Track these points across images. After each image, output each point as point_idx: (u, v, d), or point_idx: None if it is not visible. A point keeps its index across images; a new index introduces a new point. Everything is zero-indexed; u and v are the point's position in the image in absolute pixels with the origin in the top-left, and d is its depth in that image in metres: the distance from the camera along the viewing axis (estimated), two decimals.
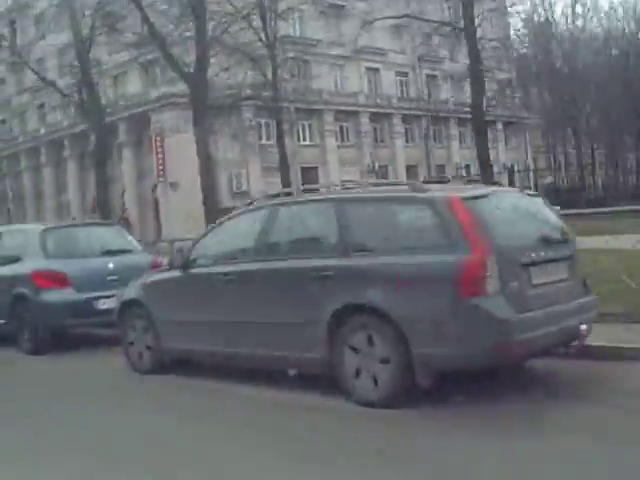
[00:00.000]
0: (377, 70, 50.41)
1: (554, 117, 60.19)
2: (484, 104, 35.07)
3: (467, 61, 57.74)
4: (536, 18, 61.61)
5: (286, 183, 29.56)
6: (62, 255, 9.37)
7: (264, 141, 42.88)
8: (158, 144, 38.66)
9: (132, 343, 7.51)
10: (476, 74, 31.79)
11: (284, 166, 28.26)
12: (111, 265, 9.33)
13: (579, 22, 63.76)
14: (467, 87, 57.18)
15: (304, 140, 45.18)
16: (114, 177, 43.46)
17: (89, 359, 8.64)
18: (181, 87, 38.35)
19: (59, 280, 9.08)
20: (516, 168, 56.94)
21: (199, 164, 25.41)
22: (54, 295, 9.04)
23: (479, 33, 57.10)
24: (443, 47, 51.03)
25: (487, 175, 30.27)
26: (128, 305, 7.56)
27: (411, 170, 50.32)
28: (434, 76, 53.75)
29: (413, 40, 49.53)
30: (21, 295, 9.23)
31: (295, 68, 44.38)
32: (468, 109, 56.14)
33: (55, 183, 47.99)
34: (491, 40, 40.89)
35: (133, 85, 42.62)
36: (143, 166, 41.58)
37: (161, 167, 38.80)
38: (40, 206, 50.14)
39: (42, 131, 48.15)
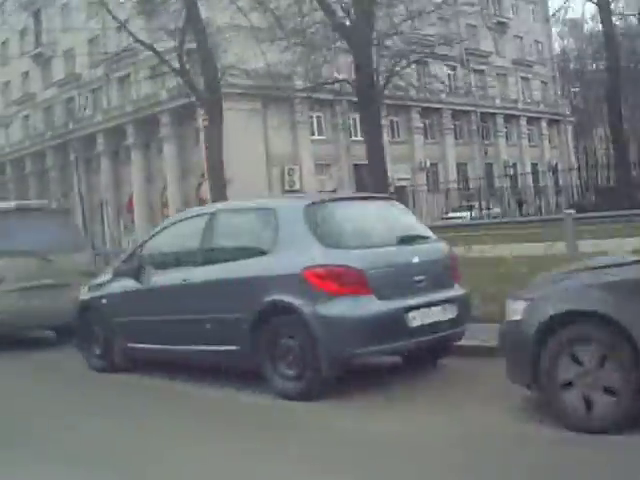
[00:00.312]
0: (426, 63, 47.60)
1: (595, 114, 57.83)
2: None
3: (513, 56, 55.80)
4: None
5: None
6: (346, 244, 6.00)
7: (316, 136, 40.19)
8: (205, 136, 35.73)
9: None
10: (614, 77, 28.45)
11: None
12: (416, 259, 6.17)
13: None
14: (512, 82, 55.29)
15: (356, 135, 42.37)
16: (153, 174, 40.72)
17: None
18: (232, 78, 35.88)
19: (354, 282, 5.75)
20: (560, 167, 54.58)
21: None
22: (348, 306, 5.71)
23: (518, 30, 55.30)
24: (488, 41, 49.24)
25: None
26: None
27: (461, 168, 47.83)
28: (481, 71, 51.03)
29: (459, 32, 46.94)
30: (280, 307, 5.92)
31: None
32: (514, 105, 54.52)
33: (87, 181, 45.04)
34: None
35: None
36: (187, 162, 38.74)
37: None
38: (69, 205, 47.21)
39: (70, 126, 45.19)
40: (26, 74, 51.56)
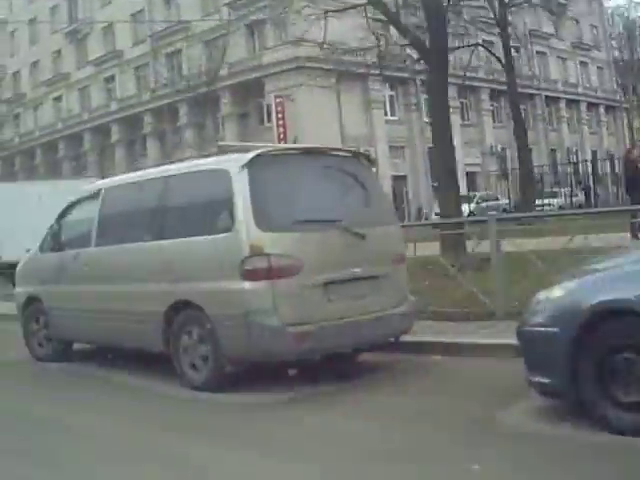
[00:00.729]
0: (491, 43, 44.58)
1: None
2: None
3: (572, 39, 52.86)
4: None
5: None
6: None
7: (389, 117, 37.10)
8: (279, 114, 32.58)
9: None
10: None
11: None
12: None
13: None
14: (572, 67, 52.37)
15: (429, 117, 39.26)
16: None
17: None
18: (304, 50, 32.74)
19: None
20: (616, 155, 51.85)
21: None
22: None
23: (575, 13, 52.47)
24: (549, 23, 46.46)
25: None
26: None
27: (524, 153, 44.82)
28: (543, 53, 48.01)
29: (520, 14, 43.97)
30: None
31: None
32: (574, 90, 51.71)
33: (128, 165, 41.60)
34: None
35: (235, 50, 36.33)
36: (250, 141, 35.41)
37: (282, 143, 32.64)
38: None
39: (113, 106, 41.81)
40: (58, 53, 48.09)
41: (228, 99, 35.40)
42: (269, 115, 35.28)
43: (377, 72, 35.71)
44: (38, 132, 48.01)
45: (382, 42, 29.45)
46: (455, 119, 40.31)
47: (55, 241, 7.62)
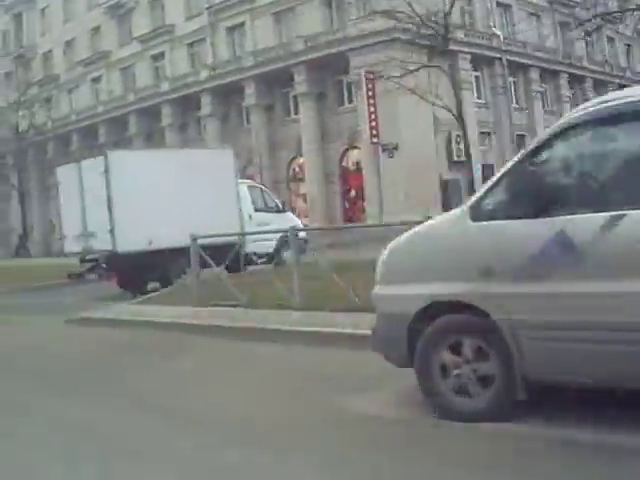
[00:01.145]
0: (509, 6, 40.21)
1: None
2: None
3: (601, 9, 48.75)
4: None
5: None
6: None
7: (475, 99, 33.78)
8: (369, 92, 29.22)
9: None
10: None
11: None
12: None
13: None
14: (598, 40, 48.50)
15: (516, 102, 36.06)
16: (279, 141, 34.09)
17: None
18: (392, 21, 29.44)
19: None
20: None
21: None
22: None
23: None
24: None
25: None
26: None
27: None
28: (566, 23, 39.75)
29: None
30: None
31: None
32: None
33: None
34: None
35: (309, 23, 32.91)
36: (327, 126, 32.11)
37: (373, 124, 29.32)
38: None
39: (166, 86, 38.34)
40: (97, 30, 44.54)
41: (303, 77, 31.96)
42: (350, 94, 31.99)
43: (466, 50, 32.72)
44: (74, 116, 44.43)
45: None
46: (538, 105, 37.33)
47: (530, 197, 4.17)
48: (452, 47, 31.99)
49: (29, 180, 45.19)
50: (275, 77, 33.03)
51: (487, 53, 33.66)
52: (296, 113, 33.52)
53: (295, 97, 33.13)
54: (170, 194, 13.96)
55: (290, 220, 16.80)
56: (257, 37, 35.10)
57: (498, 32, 34.53)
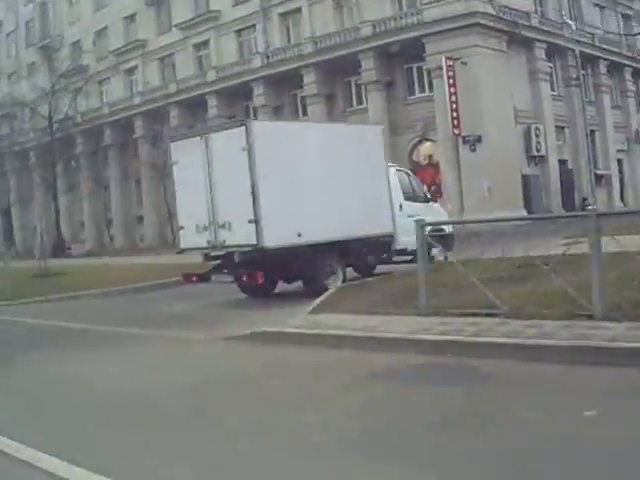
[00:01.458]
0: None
1: None
2: None
3: None
4: None
5: None
6: None
7: (549, 91, 31.89)
8: (450, 80, 27.24)
9: None
10: None
11: None
12: None
13: None
14: None
15: (588, 96, 34.27)
16: None
17: None
18: (476, 4, 27.63)
19: None
20: None
21: None
22: None
23: None
24: None
25: None
26: None
27: None
28: (627, 16, 39.56)
29: None
30: None
31: None
32: None
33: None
34: None
35: (374, 8, 30.85)
36: (395, 116, 30.06)
37: (454, 115, 27.32)
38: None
39: (214, 75, 36.22)
40: (131, 18, 42.36)
41: (370, 64, 29.93)
42: (421, 83, 30.03)
43: (541, 38, 30.89)
44: (107, 109, 42.16)
45: None
46: (607, 100, 35.59)
47: None
48: (528, 34, 30.34)
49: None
50: (338, 65, 30.99)
51: (561, 43, 31.82)
52: (359, 103, 31.50)
53: (359, 86, 31.16)
54: (318, 176, 11.56)
55: (438, 212, 14.67)
56: (315, 23, 33.02)
57: (570, 22, 32.68)
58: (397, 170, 13.99)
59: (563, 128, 32.40)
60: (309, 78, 31.80)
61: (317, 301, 9.56)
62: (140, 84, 41.58)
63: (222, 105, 35.70)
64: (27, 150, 47.23)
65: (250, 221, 10.79)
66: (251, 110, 35.37)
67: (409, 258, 13.53)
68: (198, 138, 11.67)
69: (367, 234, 12.46)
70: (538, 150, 29.78)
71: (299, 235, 11.17)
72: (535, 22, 30.75)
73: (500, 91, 27.87)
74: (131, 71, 42.76)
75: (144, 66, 41.64)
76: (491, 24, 28.03)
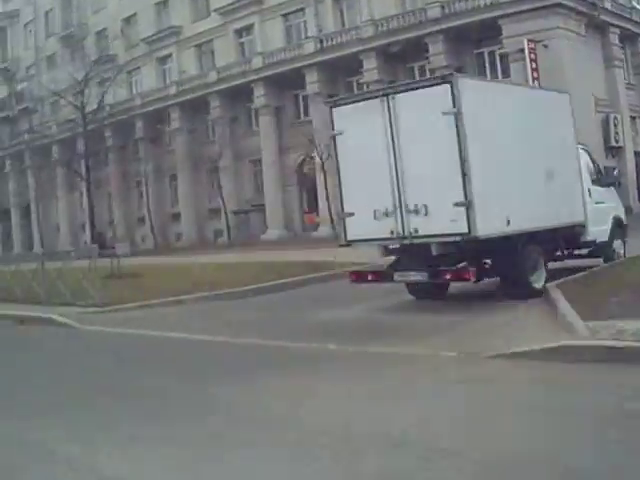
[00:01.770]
0: None
1: None
2: None
3: None
4: None
5: None
6: None
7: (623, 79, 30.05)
8: (532, 63, 25.33)
9: None
10: None
11: None
12: None
13: None
14: None
15: None
16: None
17: None
18: None
19: None
20: None
21: None
22: None
23: None
24: None
25: None
26: None
27: None
28: None
29: None
30: None
31: None
32: None
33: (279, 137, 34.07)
34: None
35: None
36: None
37: None
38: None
39: (259, 62, 34.16)
40: (163, 4, 40.24)
41: (438, 49, 27.98)
42: (493, 68, 28.10)
43: (615, 23, 29.09)
44: (139, 99, 40.01)
45: None
46: None
47: None
48: (605, 18, 28.58)
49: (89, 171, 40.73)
50: (400, 50, 29.02)
51: (631, 28, 30.05)
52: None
53: (423, 71, 29.18)
54: (525, 150, 9.61)
55: (618, 198, 12.78)
56: (373, 5, 31.01)
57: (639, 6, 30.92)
58: (582, 149, 12.00)
59: (634, 118, 30.53)
60: (369, 64, 29.80)
61: (566, 305, 7.57)
62: (175, 73, 39.46)
63: (269, 94, 33.63)
64: (48, 145, 45.10)
65: (457, 204, 8.56)
66: (300, 99, 33.42)
67: (587, 252, 11.62)
68: (377, 100, 9.16)
69: (561, 223, 10.53)
70: (617, 141, 27.92)
71: (508, 222, 9.19)
72: (608, 5, 28.94)
73: (581, 77, 25.96)
74: (164, 60, 40.63)
75: (179, 54, 39.52)
76: (572, 4, 26.18)
